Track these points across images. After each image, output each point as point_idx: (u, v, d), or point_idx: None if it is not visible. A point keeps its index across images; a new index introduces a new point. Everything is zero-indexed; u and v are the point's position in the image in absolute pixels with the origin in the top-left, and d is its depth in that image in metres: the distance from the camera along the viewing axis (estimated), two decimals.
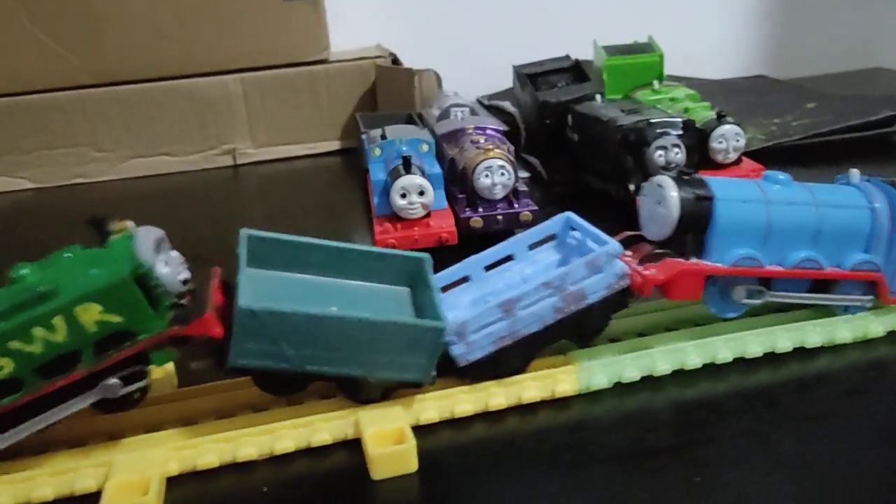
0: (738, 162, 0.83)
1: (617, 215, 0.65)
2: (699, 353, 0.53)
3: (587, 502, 0.42)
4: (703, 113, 0.84)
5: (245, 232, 0.48)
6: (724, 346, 0.54)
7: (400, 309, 0.51)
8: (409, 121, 0.97)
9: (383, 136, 0.81)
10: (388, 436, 0.46)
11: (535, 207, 0.76)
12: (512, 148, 0.81)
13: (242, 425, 0.47)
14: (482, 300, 0.53)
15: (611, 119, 0.81)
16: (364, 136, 0.87)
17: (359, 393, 0.48)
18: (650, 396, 0.51)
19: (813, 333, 0.55)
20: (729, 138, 0.81)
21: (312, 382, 0.48)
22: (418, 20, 1.30)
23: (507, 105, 1.10)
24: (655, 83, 0.94)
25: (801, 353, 0.54)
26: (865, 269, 0.54)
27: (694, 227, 0.52)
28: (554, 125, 0.93)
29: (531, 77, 0.98)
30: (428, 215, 0.74)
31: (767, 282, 0.54)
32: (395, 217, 0.74)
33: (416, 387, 0.49)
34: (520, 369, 0.51)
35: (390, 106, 1.09)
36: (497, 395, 0.50)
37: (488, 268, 0.56)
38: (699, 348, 0.53)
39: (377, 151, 0.79)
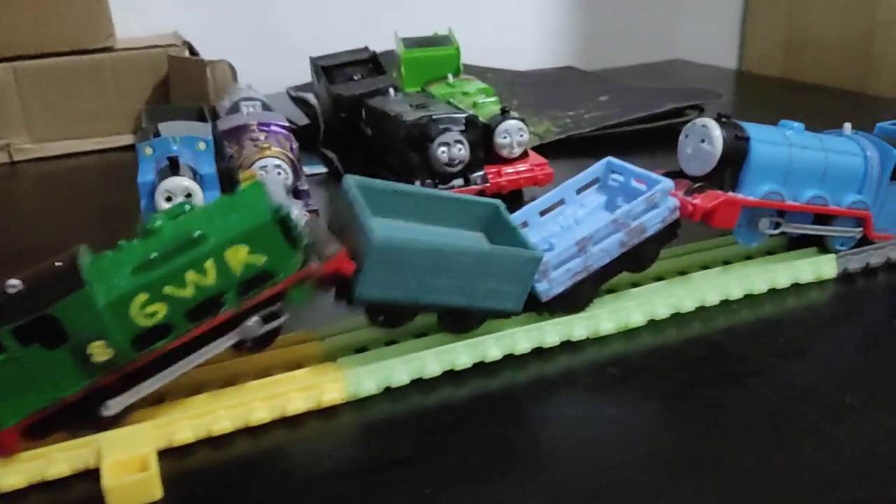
0: (524, 156, 0.84)
1: None
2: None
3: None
4: (490, 108, 0.85)
5: (350, 178, 0.52)
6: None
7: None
8: (201, 115, 0.92)
9: (156, 134, 0.76)
10: (130, 464, 0.43)
11: (316, 208, 0.73)
12: (296, 145, 0.78)
13: None
14: (544, 242, 0.59)
15: (397, 114, 0.80)
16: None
17: (459, 324, 0.53)
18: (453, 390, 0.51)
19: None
20: (513, 133, 0.82)
21: (417, 315, 0.52)
22: (230, 7, 1.24)
23: (310, 97, 1.08)
24: (450, 77, 0.94)
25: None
26: (858, 207, 0.62)
27: (732, 163, 0.58)
28: (349, 119, 0.92)
29: (327, 69, 0.96)
30: None
31: (782, 215, 0.60)
32: None
33: (506, 316, 0.54)
34: (590, 300, 0.57)
35: (184, 98, 1.03)
36: (259, 409, 0.48)
37: (542, 213, 0.61)
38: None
39: (148, 150, 0.74)
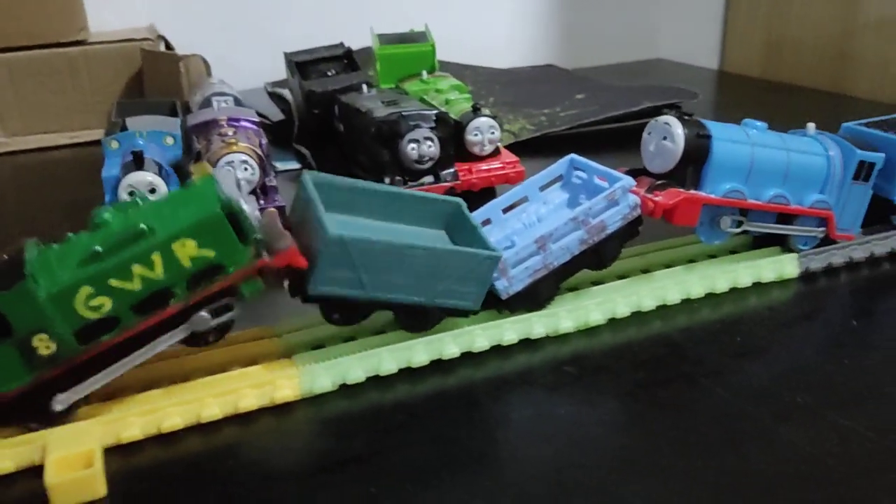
0: (496, 153, 0.84)
1: None
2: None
3: None
4: (462, 105, 0.84)
5: (308, 175, 0.52)
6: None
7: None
8: (173, 110, 0.92)
9: (123, 128, 0.75)
10: (75, 460, 0.43)
11: (283, 204, 0.73)
12: (265, 141, 0.78)
13: None
14: (506, 239, 0.59)
15: (368, 111, 0.80)
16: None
17: (416, 322, 0.52)
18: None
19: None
20: (484, 131, 0.82)
21: (373, 313, 0.52)
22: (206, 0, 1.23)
23: (285, 93, 1.07)
24: (424, 73, 0.94)
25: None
26: (820, 207, 0.62)
27: (694, 161, 0.59)
28: (322, 115, 0.91)
29: (301, 65, 0.95)
30: None
31: (744, 214, 0.61)
32: None
33: (464, 315, 0.53)
34: (550, 298, 0.56)
35: (158, 93, 1.02)
36: (210, 405, 0.48)
37: (505, 210, 0.61)
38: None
39: (114, 144, 0.74)
